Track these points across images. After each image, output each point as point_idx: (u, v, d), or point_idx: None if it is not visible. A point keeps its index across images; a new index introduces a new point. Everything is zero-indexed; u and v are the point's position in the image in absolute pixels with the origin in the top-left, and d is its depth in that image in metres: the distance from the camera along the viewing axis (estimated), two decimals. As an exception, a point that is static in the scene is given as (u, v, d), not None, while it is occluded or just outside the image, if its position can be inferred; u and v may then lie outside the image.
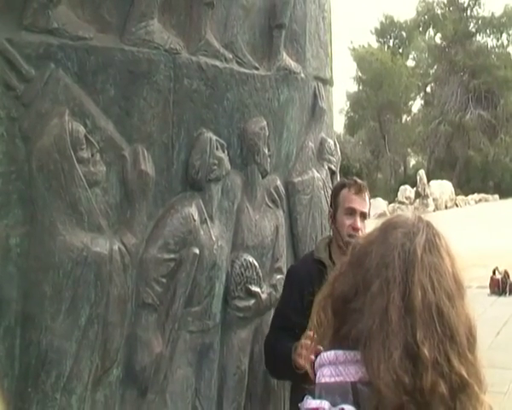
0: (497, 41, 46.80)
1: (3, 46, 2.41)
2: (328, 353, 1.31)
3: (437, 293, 1.26)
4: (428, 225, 1.38)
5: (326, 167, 4.15)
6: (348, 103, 47.34)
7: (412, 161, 49.51)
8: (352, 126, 46.57)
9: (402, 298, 1.25)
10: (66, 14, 2.63)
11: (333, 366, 1.29)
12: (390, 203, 30.98)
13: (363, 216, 3.32)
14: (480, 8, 46.52)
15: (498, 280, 11.16)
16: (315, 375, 1.33)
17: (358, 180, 3.41)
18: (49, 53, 2.54)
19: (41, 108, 2.50)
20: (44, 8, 2.54)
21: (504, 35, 46.15)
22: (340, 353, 1.29)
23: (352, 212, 3.29)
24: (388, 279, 1.27)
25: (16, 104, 2.46)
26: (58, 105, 2.54)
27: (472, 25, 46.84)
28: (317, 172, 4.03)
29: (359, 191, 3.34)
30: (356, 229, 3.23)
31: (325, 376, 1.29)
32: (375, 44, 48.22)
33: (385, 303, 1.25)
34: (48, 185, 2.48)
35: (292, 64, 3.85)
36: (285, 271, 3.72)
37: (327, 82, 4.41)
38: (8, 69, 2.43)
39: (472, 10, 46.85)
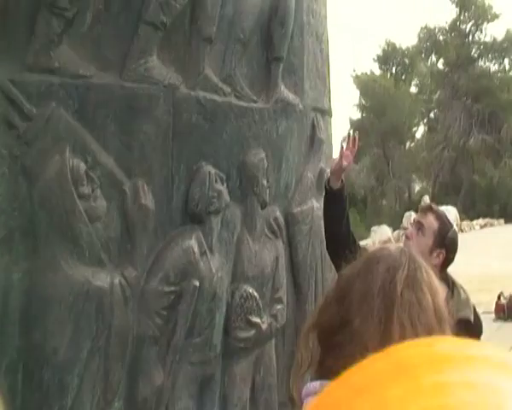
0: (500, 65, 47.04)
1: (6, 86, 2.48)
2: (314, 383, 1.35)
3: (416, 329, 1.28)
4: (411, 258, 1.40)
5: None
6: (351, 131, 47.42)
7: (417, 187, 49.48)
8: (356, 154, 46.64)
9: (380, 336, 1.27)
10: (68, 54, 2.71)
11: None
12: (395, 230, 30.92)
13: (419, 227, 3.26)
14: (481, 33, 46.83)
15: (503, 305, 11.11)
16: (301, 404, 1.36)
17: (424, 204, 3.39)
18: (51, 91, 2.61)
19: (43, 145, 2.57)
20: (46, 48, 2.61)
21: (506, 59, 46.40)
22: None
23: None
24: (367, 316, 1.30)
25: (18, 142, 2.52)
26: (59, 142, 2.60)
27: (474, 50, 47.08)
28: (317, 201, 4.06)
29: (421, 210, 3.35)
30: (407, 236, 3.25)
31: None
32: (378, 71, 48.48)
33: (364, 339, 1.27)
34: (49, 221, 2.53)
35: (290, 96, 3.91)
36: (285, 301, 3.75)
37: (325, 113, 4.47)
38: (10, 109, 2.50)
39: (474, 36, 47.15)
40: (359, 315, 1.31)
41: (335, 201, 3.09)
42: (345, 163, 3.10)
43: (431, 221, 3.09)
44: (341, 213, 3.09)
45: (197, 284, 3.09)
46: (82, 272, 2.60)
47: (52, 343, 2.53)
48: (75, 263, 2.59)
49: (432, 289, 1.36)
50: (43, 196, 2.53)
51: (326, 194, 3.13)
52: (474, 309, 2.97)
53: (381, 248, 1.46)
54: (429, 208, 3.23)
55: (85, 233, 2.63)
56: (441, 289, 1.39)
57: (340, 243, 3.05)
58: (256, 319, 3.46)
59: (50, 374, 2.51)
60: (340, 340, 1.32)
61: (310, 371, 1.43)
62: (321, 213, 3.67)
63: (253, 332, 3.45)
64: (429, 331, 1.29)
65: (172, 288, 3.00)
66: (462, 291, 2.91)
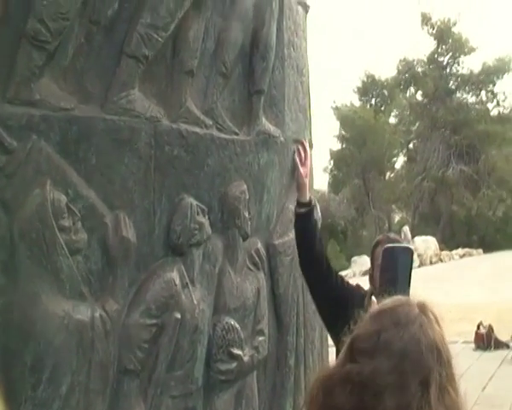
0: (477, 97, 47.67)
1: (-13, 119, 2.47)
2: None
3: None
4: (440, 352, 1.37)
5: (317, 216, 4.20)
6: (332, 162, 47.72)
7: (397, 217, 49.75)
8: (336, 184, 46.83)
9: None
10: (49, 86, 2.70)
11: None
12: (375, 260, 30.91)
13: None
14: (459, 65, 47.53)
15: (483, 335, 11.13)
16: None
17: (391, 235, 3.35)
18: (32, 124, 2.60)
19: (23, 178, 2.55)
20: (27, 81, 2.61)
21: (483, 92, 47.09)
22: None
23: None
24: None
25: (-1, 175, 2.50)
26: (40, 175, 2.59)
27: (452, 82, 47.73)
28: (298, 233, 4.07)
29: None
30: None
31: None
32: (358, 103, 48.95)
33: None
34: (30, 254, 2.51)
35: (271, 128, 3.94)
36: (267, 332, 3.74)
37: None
38: (-10, 142, 2.48)
39: (451, 68, 47.83)
40: None
41: (304, 221, 3.10)
42: (305, 169, 3.12)
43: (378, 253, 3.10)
44: (312, 232, 3.10)
45: (179, 316, 3.07)
46: (62, 306, 2.57)
47: (30, 379, 2.49)
48: (55, 297, 2.56)
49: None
50: (24, 230, 2.51)
51: (296, 216, 3.15)
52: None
53: (404, 335, 1.36)
54: (378, 242, 3.23)
55: (66, 266, 2.60)
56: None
57: (314, 263, 3.06)
58: (238, 352, 3.44)
59: (29, 410, 2.47)
60: None
61: None
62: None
63: (234, 364, 3.43)
64: None
65: (154, 320, 2.98)
66: None
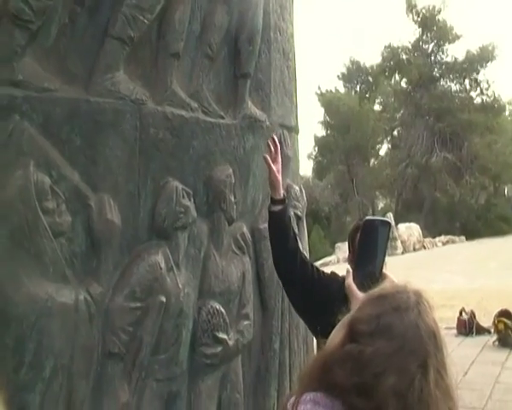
0: (461, 85, 47.82)
1: (-33, 99, 2.43)
2: (313, 394, 1.36)
3: None
4: (437, 335, 1.42)
5: (292, 213, 4.19)
6: (316, 148, 47.79)
7: (380, 204, 49.99)
8: (320, 171, 46.95)
9: None
10: (32, 66, 2.66)
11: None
12: (359, 246, 31.02)
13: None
14: (443, 53, 47.62)
15: (465, 321, 11.20)
16: None
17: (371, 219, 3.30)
18: (14, 105, 2.57)
19: (5, 159, 2.51)
20: (9, 60, 2.56)
21: (467, 80, 47.25)
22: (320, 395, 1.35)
23: None
24: None
25: (-20, 157, 2.47)
26: (23, 156, 2.55)
27: (436, 70, 47.83)
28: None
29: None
30: None
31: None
32: (343, 89, 48.99)
33: None
34: (11, 237, 2.48)
35: (257, 112, 3.92)
36: (252, 317, 3.74)
37: (292, 129, 4.49)
38: (-28, 122, 2.44)
39: (436, 56, 47.93)
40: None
41: (277, 220, 3.07)
42: (277, 166, 3.07)
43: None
44: (286, 231, 3.06)
45: (163, 299, 3.06)
46: (45, 289, 2.54)
47: (12, 362, 2.46)
48: (38, 279, 2.53)
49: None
50: (5, 212, 2.47)
51: (269, 214, 3.10)
52: None
53: (403, 318, 1.41)
54: (357, 228, 3.14)
55: (49, 249, 2.57)
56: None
57: (288, 261, 3.04)
58: (223, 336, 3.44)
59: (11, 393, 2.44)
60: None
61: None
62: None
63: (219, 348, 3.43)
64: None
65: (138, 304, 2.96)
66: None
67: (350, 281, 1.81)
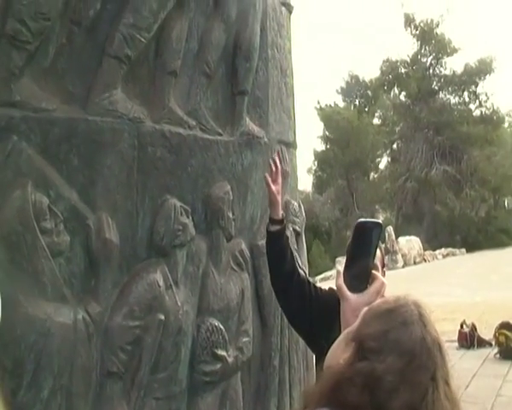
0: (459, 98, 47.85)
1: (-34, 120, 2.44)
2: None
3: None
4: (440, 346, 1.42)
5: (291, 229, 4.19)
6: (316, 162, 47.74)
7: (380, 218, 49.85)
8: (320, 185, 46.88)
9: None
10: (29, 87, 2.68)
11: None
12: (360, 260, 30.95)
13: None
14: (441, 66, 47.69)
15: (466, 334, 11.16)
16: None
17: None
18: (12, 125, 2.58)
19: (3, 180, 2.52)
20: (7, 81, 2.58)
21: (466, 93, 47.33)
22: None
23: None
24: None
25: (-22, 177, 2.47)
26: (21, 177, 2.56)
27: (435, 83, 47.89)
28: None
29: None
30: None
31: None
32: (342, 103, 49.01)
33: None
34: (10, 257, 2.48)
35: (255, 129, 3.93)
36: (251, 333, 3.73)
37: (290, 145, 4.50)
38: (-30, 143, 2.45)
39: (434, 69, 48.00)
40: None
41: (275, 240, 3.07)
42: (276, 187, 3.07)
43: (377, 253, 3.03)
44: (283, 251, 3.06)
45: (162, 318, 3.05)
46: (44, 309, 2.54)
47: (10, 384, 2.45)
48: (36, 300, 2.53)
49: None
50: (4, 232, 2.48)
51: (267, 234, 3.10)
52: None
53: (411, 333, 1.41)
54: None
55: (47, 269, 2.57)
56: None
57: (285, 281, 3.04)
58: (222, 353, 3.43)
59: (10, 415, 2.43)
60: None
61: None
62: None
63: (219, 366, 3.42)
64: None
65: (137, 322, 2.96)
66: None
67: (340, 282, 1.81)
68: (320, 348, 1.72)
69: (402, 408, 1.31)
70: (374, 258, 1.87)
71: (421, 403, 1.33)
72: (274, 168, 3.10)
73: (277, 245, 3.05)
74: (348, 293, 1.77)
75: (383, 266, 2.99)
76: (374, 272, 1.82)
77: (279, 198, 3.06)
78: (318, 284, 3.29)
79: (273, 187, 3.03)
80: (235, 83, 3.81)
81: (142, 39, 3.09)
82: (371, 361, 1.37)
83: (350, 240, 1.94)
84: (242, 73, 3.83)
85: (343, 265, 1.89)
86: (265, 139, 4.01)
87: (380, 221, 1.91)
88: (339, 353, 1.47)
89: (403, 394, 1.32)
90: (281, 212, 3.07)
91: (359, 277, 1.80)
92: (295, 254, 4.07)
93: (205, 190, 3.46)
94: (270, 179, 3.05)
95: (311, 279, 3.34)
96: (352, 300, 1.74)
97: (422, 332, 1.40)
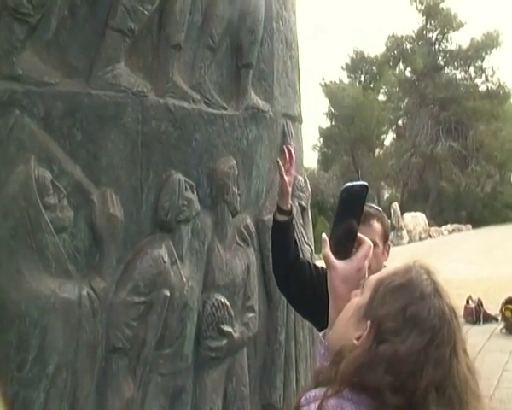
0: (465, 73, 47.54)
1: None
2: (314, 391, 1.34)
3: None
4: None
5: (296, 204, 4.16)
6: (321, 139, 47.57)
7: (386, 194, 49.75)
8: (325, 162, 46.74)
9: None
10: (31, 60, 2.64)
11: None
12: (364, 236, 30.97)
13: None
14: (447, 41, 47.35)
15: (472, 309, 11.18)
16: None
17: (371, 210, 3.22)
18: (14, 100, 2.54)
19: (6, 155, 2.49)
20: (8, 54, 2.54)
21: (472, 67, 47.01)
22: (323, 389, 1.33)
23: None
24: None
25: (-20, 153, 2.45)
26: (23, 151, 2.53)
27: (440, 58, 47.55)
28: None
29: (363, 220, 3.22)
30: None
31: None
32: (347, 80, 48.70)
33: None
34: (13, 233, 2.46)
35: (260, 103, 3.89)
36: (257, 309, 3.72)
37: (295, 119, 4.46)
38: (-29, 118, 2.42)
39: (440, 44, 47.64)
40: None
41: (282, 230, 3.02)
42: (289, 178, 3.01)
43: (376, 227, 2.91)
44: (288, 241, 3.02)
45: (167, 293, 3.04)
46: (48, 285, 2.53)
47: (16, 359, 2.45)
48: (41, 275, 2.52)
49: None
50: (7, 207, 2.46)
51: (274, 223, 3.06)
52: None
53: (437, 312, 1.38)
54: (368, 216, 3.09)
55: (51, 244, 2.56)
56: None
57: (287, 268, 3.00)
58: (228, 328, 3.42)
59: (14, 390, 2.43)
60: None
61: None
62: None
63: (224, 341, 3.41)
64: None
65: (142, 298, 2.95)
66: None
67: (327, 250, 1.73)
68: (325, 325, 1.69)
69: (428, 387, 1.29)
70: (359, 220, 1.81)
71: (445, 379, 1.31)
72: (288, 157, 3.04)
73: (283, 236, 3.01)
74: (335, 261, 1.68)
75: (386, 240, 2.95)
76: (359, 235, 1.74)
77: (290, 189, 3.00)
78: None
79: (286, 178, 2.97)
80: (240, 56, 3.76)
81: (145, 12, 3.04)
82: (392, 343, 1.33)
83: (336, 206, 1.89)
84: (247, 46, 3.77)
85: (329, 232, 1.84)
86: (271, 113, 3.97)
87: (366, 183, 1.85)
88: (351, 330, 1.42)
89: (427, 372, 1.29)
90: (289, 203, 3.02)
91: (344, 239, 1.72)
92: (301, 229, 4.06)
93: (210, 164, 3.42)
94: (283, 169, 2.99)
95: (310, 261, 3.32)
96: (340, 267, 1.66)
97: (440, 305, 1.37)
